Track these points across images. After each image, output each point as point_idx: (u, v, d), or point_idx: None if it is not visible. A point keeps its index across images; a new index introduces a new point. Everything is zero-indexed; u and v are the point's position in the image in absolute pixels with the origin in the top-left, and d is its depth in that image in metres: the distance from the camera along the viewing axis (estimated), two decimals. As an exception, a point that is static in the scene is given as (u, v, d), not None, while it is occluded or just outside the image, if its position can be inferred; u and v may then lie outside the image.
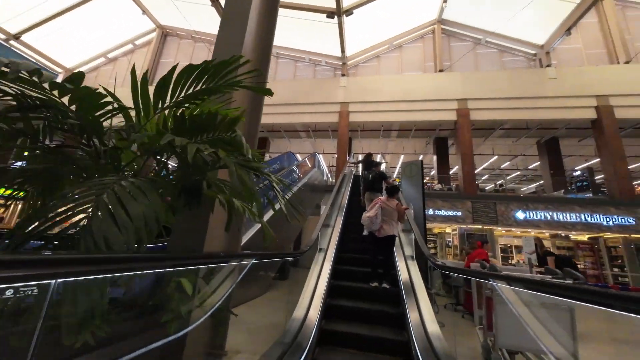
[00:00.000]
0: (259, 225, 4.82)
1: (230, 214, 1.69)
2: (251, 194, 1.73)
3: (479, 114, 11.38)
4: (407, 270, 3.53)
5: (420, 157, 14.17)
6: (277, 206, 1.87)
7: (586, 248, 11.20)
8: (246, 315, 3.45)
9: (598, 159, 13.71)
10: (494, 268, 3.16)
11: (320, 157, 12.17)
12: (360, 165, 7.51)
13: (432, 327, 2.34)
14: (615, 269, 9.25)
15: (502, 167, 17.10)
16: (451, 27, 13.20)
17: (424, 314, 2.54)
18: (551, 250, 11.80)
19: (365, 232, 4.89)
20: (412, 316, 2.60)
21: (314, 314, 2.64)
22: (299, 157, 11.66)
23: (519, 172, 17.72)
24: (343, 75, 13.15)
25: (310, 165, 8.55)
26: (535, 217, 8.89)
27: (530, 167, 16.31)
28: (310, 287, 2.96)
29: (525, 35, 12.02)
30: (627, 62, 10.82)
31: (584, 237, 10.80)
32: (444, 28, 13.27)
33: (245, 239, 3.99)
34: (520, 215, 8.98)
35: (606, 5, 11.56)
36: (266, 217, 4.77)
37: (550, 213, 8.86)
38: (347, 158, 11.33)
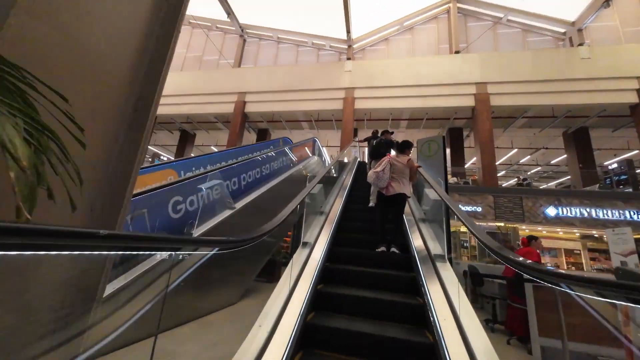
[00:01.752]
0: (231, 210, 3.87)
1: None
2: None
3: (499, 99, 10.18)
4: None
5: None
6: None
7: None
8: (190, 341, 2.36)
9: (633, 153, 12.38)
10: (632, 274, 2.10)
11: (324, 150, 11.14)
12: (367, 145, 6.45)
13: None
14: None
15: (520, 162, 15.76)
16: (468, 4, 12.00)
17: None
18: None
19: (371, 204, 4.24)
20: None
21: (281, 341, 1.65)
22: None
23: (539, 168, 16.34)
24: (348, 59, 12.09)
25: (308, 153, 7.53)
26: (569, 214, 7.68)
27: (553, 162, 14.93)
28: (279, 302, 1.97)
29: (554, 11, 10.74)
30: (674, 39, 9.47)
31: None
32: (460, 7, 12.08)
33: (204, 228, 3.04)
34: (551, 211, 7.79)
35: (647, -24, 10.21)
36: (242, 203, 3.86)
37: (588, 209, 7.64)
38: (354, 138, 10.25)
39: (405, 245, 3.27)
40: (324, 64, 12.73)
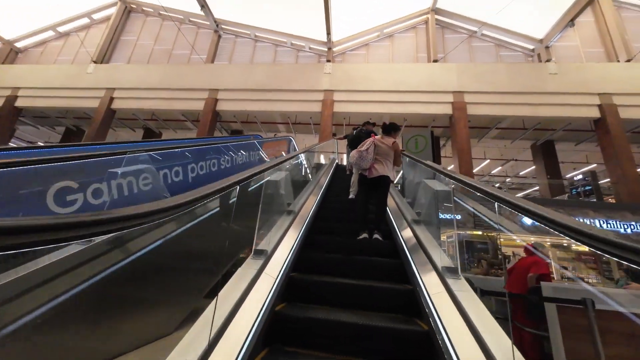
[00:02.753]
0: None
1: None
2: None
3: (476, 108, 10.31)
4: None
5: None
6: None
7: (589, 260, 10.21)
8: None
9: (592, 166, 13.16)
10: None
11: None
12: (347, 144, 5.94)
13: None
14: (628, 284, 8.18)
15: (492, 172, 16.27)
16: (445, 17, 12.29)
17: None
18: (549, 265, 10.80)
19: (351, 195, 4.09)
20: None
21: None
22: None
23: (509, 179, 16.99)
24: (328, 61, 11.77)
25: (281, 152, 6.88)
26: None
27: (521, 173, 15.55)
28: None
29: (524, 28, 11.26)
30: (628, 61, 10.22)
31: (586, 247, 9.79)
32: (437, 18, 12.33)
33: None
34: (527, 219, 7.72)
35: (603, 2, 11.07)
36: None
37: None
38: (333, 136, 9.74)
39: (389, 232, 3.11)
40: (304, 65, 12.31)
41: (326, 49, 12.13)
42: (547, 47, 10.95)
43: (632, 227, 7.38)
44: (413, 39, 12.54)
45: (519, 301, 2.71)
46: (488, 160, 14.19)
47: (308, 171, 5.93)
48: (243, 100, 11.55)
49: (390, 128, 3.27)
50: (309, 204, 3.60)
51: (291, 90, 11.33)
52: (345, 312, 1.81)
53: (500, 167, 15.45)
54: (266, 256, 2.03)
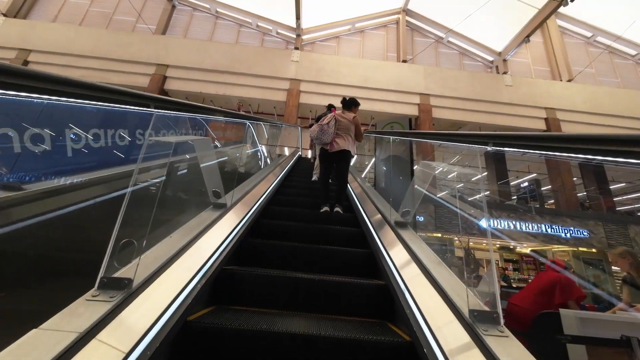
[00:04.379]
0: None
1: None
2: None
3: (440, 112, 10.45)
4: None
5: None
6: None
7: (529, 261, 11.04)
8: None
9: (533, 175, 14.43)
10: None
11: (262, 147, 9.53)
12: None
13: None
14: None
15: (447, 177, 17.02)
16: (415, 19, 12.35)
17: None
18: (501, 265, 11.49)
19: (314, 177, 4.17)
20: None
21: None
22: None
23: (461, 184, 17.95)
24: (296, 48, 10.99)
25: (236, 137, 5.91)
26: (499, 226, 7.93)
27: (473, 179, 16.49)
28: None
29: (486, 40, 11.77)
30: (569, 81, 11.26)
31: (527, 250, 10.57)
32: (408, 20, 12.33)
33: None
34: (483, 223, 7.91)
35: (551, 27, 12.09)
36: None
37: (513, 222, 8.02)
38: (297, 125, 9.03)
39: (350, 207, 3.22)
40: (269, 49, 11.35)
41: (295, 36, 11.33)
42: (504, 60, 11.60)
43: (571, 232, 7.97)
44: (384, 37, 12.38)
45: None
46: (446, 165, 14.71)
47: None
48: (197, 81, 10.20)
49: (351, 103, 3.23)
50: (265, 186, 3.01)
51: (254, 76, 10.32)
52: (300, 272, 1.66)
53: (455, 173, 16.19)
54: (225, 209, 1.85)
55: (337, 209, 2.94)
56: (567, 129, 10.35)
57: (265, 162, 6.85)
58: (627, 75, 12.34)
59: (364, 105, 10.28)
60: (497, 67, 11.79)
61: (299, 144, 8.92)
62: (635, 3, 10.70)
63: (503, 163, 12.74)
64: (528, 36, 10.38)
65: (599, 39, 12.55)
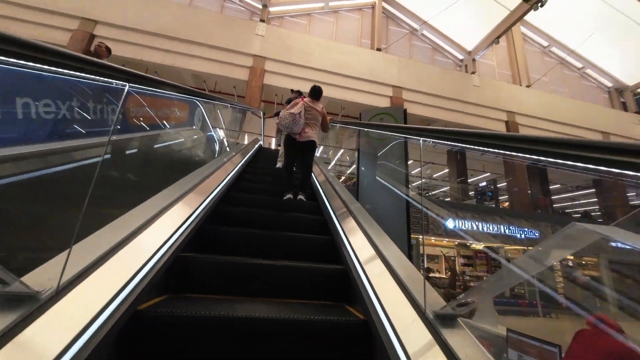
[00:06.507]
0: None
1: None
2: None
3: (411, 107, 10.13)
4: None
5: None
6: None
7: (482, 257, 11.64)
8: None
9: (486, 174, 15.25)
10: None
11: (220, 131, 8.12)
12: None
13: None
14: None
15: (412, 173, 17.30)
16: (392, 6, 11.77)
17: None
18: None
19: (279, 165, 4.16)
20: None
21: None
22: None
23: (424, 180, 18.42)
24: (262, 21, 9.66)
25: (181, 117, 4.67)
26: (463, 227, 7.94)
27: (435, 175, 16.98)
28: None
29: (459, 36, 11.69)
30: (528, 87, 11.78)
31: (480, 246, 11.07)
32: (384, 7, 11.69)
33: None
34: (450, 224, 7.87)
35: (515, 32, 12.47)
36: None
37: (476, 223, 8.09)
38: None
39: (313, 195, 3.26)
40: (231, 18, 9.81)
41: (261, 6, 9.94)
42: (473, 60, 11.68)
43: (525, 232, 8.32)
44: (358, 21, 11.60)
45: None
46: (411, 161, 14.79)
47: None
48: (138, 46, 8.38)
49: (320, 93, 3.15)
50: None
51: (211, 47, 8.81)
52: (261, 258, 1.63)
53: (418, 169, 16.47)
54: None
55: (301, 196, 2.95)
56: (524, 133, 10.82)
57: (222, 148, 5.74)
58: (574, 86, 13.40)
59: (335, 93, 9.49)
60: (466, 66, 11.84)
61: (262, 132, 7.88)
62: (587, 19, 11.45)
63: (463, 162, 13.14)
64: (498, 37, 10.48)
65: (553, 49, 13.36)
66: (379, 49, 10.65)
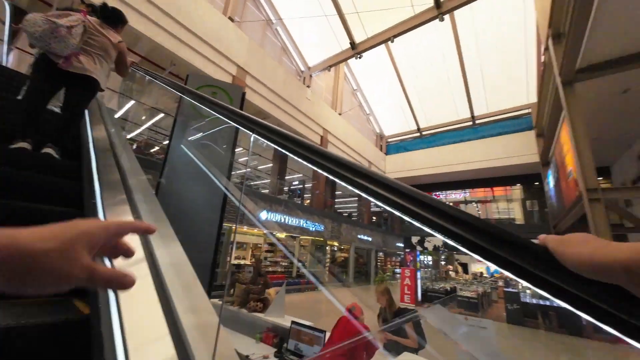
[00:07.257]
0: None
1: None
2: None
3: (252, 96, 10.05)
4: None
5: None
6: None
7: (283, 245, 13.51)
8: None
9: (299, 175, 18.03)
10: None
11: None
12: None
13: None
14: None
15: (239, 160, 17.19)
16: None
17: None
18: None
19: (18, 144, 2.03)
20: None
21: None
22: None
23: (249, 170, 18.83)
24: None
25: None
26: (273, 219, 8.81)
27: (260, 167, 17.83)
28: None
29: (305, 49, 12.95)
30: (340, 114, 15.15)
31: (283, 235, 12.90)
32: (247, -22, 10.85)
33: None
34: (263, 215, 8.46)
35: (340, 69, 15.71)
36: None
37: (284, 217, 9.23)
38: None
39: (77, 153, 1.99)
40: None
41: None
42: (311, 76, 13.42)
43: (315, 226, 10.51)
44: (216, -24, 10.00)
45: None
46: (241, 149, 14.70)
47: None
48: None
49: (118, 18, 2.32)
50: None
51: None
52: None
53: (246, 158, 16.67)
54: None
55: (49, 150, 1.91)
56: (329, 149, 13.79)
57: None
58: (361, 124, 18.78)
59: (169, 43, 7.64)
60: (304, 78, 13.40)
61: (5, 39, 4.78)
62: (378, 87, 16.49)
63: (285, 161, 14.75)
64: (331, 66, 12.66)
65: (358, 93, 18.11)
66: (231, 19, 9.70)
